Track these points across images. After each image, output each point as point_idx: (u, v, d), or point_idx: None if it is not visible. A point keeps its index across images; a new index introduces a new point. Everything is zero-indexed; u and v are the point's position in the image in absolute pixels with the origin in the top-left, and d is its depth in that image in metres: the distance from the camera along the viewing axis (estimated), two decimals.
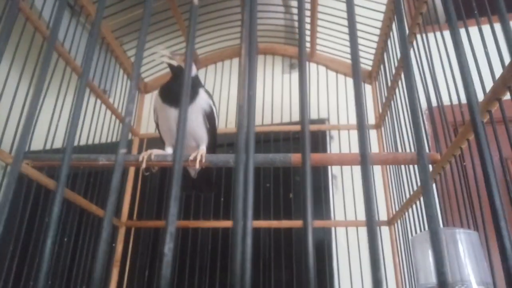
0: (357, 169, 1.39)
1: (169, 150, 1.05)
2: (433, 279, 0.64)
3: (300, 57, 0.27)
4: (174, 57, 1.01)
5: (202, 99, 1.02)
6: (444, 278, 0.21)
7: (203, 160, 0.85)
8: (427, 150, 1.05)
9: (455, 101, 0.79)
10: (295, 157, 0.87)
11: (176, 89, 1.00)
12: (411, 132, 1.06)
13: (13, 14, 0.32)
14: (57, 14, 0.33)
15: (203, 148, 1.01)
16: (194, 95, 0.99)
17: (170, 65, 1.01)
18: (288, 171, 1.48)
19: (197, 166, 0.84)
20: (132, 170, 1.42)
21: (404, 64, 0.27)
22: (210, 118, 1.04)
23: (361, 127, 0.24)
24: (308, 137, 0.25)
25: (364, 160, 0.23)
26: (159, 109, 1.03)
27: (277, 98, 1.54)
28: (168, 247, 0.20)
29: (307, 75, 0.26)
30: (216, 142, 1.11)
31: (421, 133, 0.24)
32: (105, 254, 0.22)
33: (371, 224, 0.22)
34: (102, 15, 0.32)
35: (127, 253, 1.31)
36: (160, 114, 1.03)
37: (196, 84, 1.02)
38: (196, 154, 0.86)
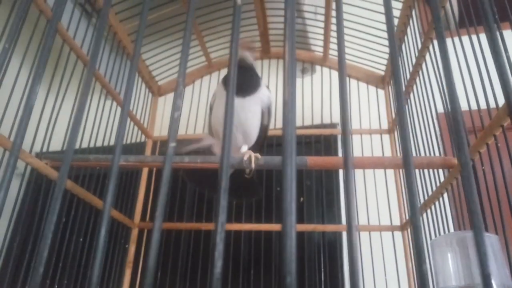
0: (369, 173, 1.39)
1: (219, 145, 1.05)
2: (452, 282, 0.64)
3: (340, 68, 0.27)
4: (250, 54, 1.02)
5: (263, 91, 1.03)
6: (488, 272, 0.21)
7: (259, 161, 0.85)
8: (441, 155, 1.05)
9: (473, 106, 0.79)
10: (311, 160, 0.88)
11: (241, 78, 1.00)
12: (426, 137, 1.06)
13: (53, 32, 0.33)
14: (95, 48, 0.34)
15: (244, 149, 1.01)
16: (256, 86, 1.01)
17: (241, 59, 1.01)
18: (300, 175, 1.48)
19: (253, 165, 0.85)
20: (145, 172, 1.43)
21: (443, 63, 0.27)
22: (268, 112, 1.05)
23: (403, 130, 0.25)
24: (349, 140, 0.25)
25: (407, 162, 0.23)
26: (218, 96, 1.04)
27: None
28: (220, 237, 0.21)
29: (346, 82, 0.27)
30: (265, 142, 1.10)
31: (461, 130, 0.25)
32: (157, 249, 0.22)
33: (416, 221, 0.22)
34: (140, 51, 0.33)
35: (140, 254, 1.32)
36: (219, 101, 1.03)
37: (257, 75, 1.03)
38: (250, 155, 0.86)
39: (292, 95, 0.25)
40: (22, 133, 0.27)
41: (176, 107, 0.24)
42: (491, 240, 0.63)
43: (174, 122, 0.24)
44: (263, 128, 1.06)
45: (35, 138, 0.95)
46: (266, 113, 1.05)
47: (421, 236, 0.22)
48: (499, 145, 0.67)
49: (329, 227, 1.33)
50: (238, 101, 0.99)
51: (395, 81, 0.26)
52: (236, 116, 0.99)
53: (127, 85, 0.30)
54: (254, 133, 1.03)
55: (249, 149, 1.04)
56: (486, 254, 0.22)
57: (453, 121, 0.24)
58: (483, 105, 0.76)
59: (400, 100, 0.25)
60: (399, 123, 0.25)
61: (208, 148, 1.09)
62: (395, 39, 0.27)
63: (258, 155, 0.86)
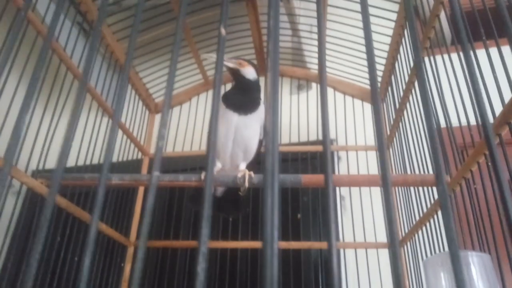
0: (365, 190, 1.39)
1: (218, 165, 1.05)
2: None
3: (320, 83, 0.28)
4: (230, 61, 1.04)
5: (262, 110, 1.04)
6: None
7: (252, 180, 0.86)
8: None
9: (463, 122, 0.80)
10: (305, 178, 0.88)
11: (242, 96, 1.02)
12: (420, 154, 1.07)
13: (46, 51, 0.34)
14: (88, 57, 0.35)
15: (242, 167, 1.02)
16: (256, 105, 1.02)
17: (230, 70, 1.04)
18: (296, 191, 1.48)
19: (246, 185, 0.86)
20: (141, 190, 1.43)
21: (420, 86, 0.28)
22: (264, 128, 1.05)
23: (381, 148, 0.25)
24: (329, 158, 0.26)
25: (385, 181, 0.24)
26: (220, 115, 1.04)
27: (285, 119, 1.56)
28: (201, 267, 0.21)
29: (327, 98, 0.28)
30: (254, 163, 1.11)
31: (438, 155, 0.25)
32: (140, 272, 0.22)
33: (394, 244, 0.23)
34: (131, 64, 0.34)
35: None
36: (220, 119, 1.04)
37: (258, 92, 1.05)
38: (244, 173, 0.87)
39: (274, 124, 0.26)
40: (10, 161, 0.28)
41: (161, 137, 0.24)
42: (484, 259, 0.63)
43: (158, 151, 0.24)
44: (261, 144, 1.07)
45: (31, 156, 0.95)
46: (262, 128, 1.06)
47: (400, 264, 0.23)
48: (489, 164, 0.67)
49: (326, 244, 1.32)
50: (241, 119, 1.00)
51: (374, 111, 0.27)
52: (239, 133, 1.00)
53: (118, 97, 0.31)
54: (254, 149, 1.05)
55: (247, 165, 1.05)
56: (464, 282, 0.22)
57: (432, 153, 0.25)
58: (472, 121, 0.77)
59: (380, 136, 0.26)
60: (378, 148, 0.26)
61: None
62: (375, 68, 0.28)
63: (251, 173, 0.87)
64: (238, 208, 1.17)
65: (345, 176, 0.94)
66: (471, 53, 0.30)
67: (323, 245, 1.32)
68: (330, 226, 0.24)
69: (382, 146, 0.27)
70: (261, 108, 1.04)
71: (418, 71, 0.27)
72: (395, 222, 0.24)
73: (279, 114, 1.56)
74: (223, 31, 0.28)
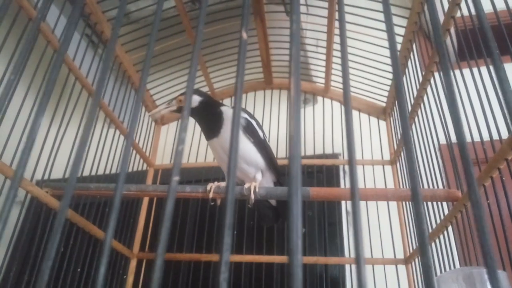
0: (372, 205, 1.37)
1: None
2: None
3: (345, 100, 0.27)
4: (168, 107, 1.06)
5: (228, 116, 0.99)
6: None
7: (257, 191, 0.85)
8: (444, 187, 1.04)
9: (476, 138, 0.79)
10: (313, 191, 0.87)
11: (204, 122, 1.04)
12: (429, 168, 1.05)
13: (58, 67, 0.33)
14: (100, 81, 0.35)
15: (258, 178, 1.00)
16: (220, 120, 0.99)
17: (178, 110, 1.05)
18: (301, 205, 1.47)
19: (252, 197, 0.84)
20: (146, 200, 1.42)
21: (448, 94, 0.27)
22: (249, 131, 1.01)
23: (411, 162, 0.24)
24: (355, 172, 0.25)
25: (416, 196, 0.23)
26: (208, 143, 1.06)
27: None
28: (223, 277, 0.20)
29: (351, 116, 0.27)
30: (278, 167, 1.08)
31: (471, 169, 0.24)
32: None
33: (426, 261, 0.22)
34: (145, 86, 0.33)
35: (138, 285, 1.29)
36: (211, 147, 1.06)
37: (213, 107, 1.03)
38: (250, 184, 0.86)
39: (297, 129, 0.25)
40: (24, 164, 0.27)
41: (181, 141, 0.24)
42: (499, 277, 0.61)
43: (178, 155, 0.24)
44: (260, 145, 1.02)
45: (37, 165, 0.95)
46: (250, 129, 1.01)
47: (433, 279, 0.22)
48: (504, 178, 0.66)
49: (332, 260, 1.30)
50: (220, 140, 0.99)
51: (401, 117, 0.26)
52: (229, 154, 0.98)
53: (132, 121, 0.30)
54: (256, 157, 1.01)
55: (272, 173, 1.05)
56: None
57: (463, 164, 0.24)
58: (485, 137, 0.76)
59: (406, 133, 0.25)
60: (408, 162, 0.25)
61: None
62: (400, 75, 0.27)
63: (257, 185, 0.86)
64: (276, 217, 1.17)
65: (380, 190, 0.93)
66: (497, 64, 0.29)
67: (328, 260, 1.30)
68: (358, 243, 0.23)
69: (412, 161, 0.26)
70: (227, 116, 1.00)
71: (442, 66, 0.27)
72: (427, 238, 0.22)
73: (285, 128, 1.54)
74: (244, 35, 0.28)
